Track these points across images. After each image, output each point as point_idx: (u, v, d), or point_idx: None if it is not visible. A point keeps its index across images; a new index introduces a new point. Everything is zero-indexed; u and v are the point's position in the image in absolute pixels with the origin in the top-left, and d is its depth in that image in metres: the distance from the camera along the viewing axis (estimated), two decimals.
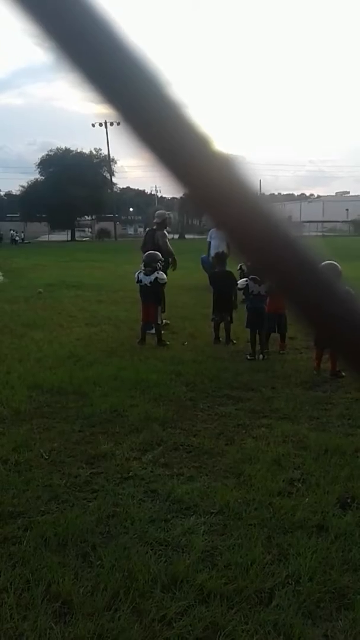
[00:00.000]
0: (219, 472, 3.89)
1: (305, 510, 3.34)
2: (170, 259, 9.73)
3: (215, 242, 12.64)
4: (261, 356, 7.04)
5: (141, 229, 73.44)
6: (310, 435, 4.50)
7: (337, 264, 6.54)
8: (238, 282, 7.65)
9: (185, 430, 4.67)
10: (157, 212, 11.01)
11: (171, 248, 9.93)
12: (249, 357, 7.05)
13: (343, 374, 6.08)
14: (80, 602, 2.53)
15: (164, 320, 9.42)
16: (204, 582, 2.66)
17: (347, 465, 3.95)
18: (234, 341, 7.94)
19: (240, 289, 7.42)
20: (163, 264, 8.44)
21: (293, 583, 2.69)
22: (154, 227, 10.17)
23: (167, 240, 10.32)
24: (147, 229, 10.90)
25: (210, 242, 13.50)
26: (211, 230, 14.19)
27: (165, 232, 10.44)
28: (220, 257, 8.48)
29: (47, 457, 4.15)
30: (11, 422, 4.87)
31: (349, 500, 3.49)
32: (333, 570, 2.78)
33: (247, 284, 7.20)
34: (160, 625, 2.39)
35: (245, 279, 7.34)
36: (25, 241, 55.67)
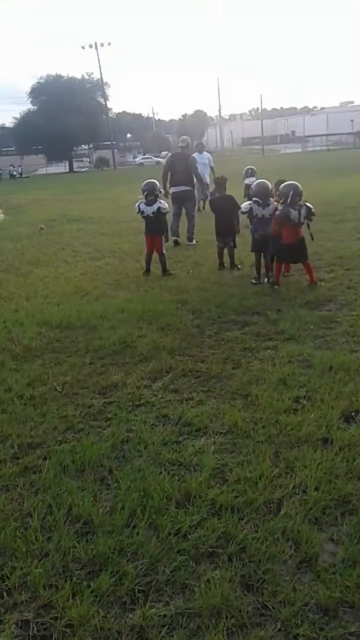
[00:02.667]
0: (226, 395, 4.01)
1: (311, 425, 3.46)
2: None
3: (200, 167, 12.39)
4: (266, 280, 7.03)
5: (140, 155, 71.32)
6: (315, 354, 4.59)
7: (298, 184, 6.56)
8: (242, 205, 7.49)
9: (193, 356, 4.77)
10: (182, 137, 11.21)
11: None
12: (253, 282, 7.06)
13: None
14: (100, 521, 2.70)
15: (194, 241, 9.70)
16: (215, 497, 2.82)
17: (351, 381, 4.05)
18: (239, 266, 7.92)
19: (244, 213, 7.27)
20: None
21: (300, 493, 2.84)
22: (180, 149, 10.41)
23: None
24: (169, 154, 11.01)
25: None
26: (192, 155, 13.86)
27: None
28: (220, 182, 8.30)
29: (60, 390, 4.28)
30: (23, 358, 4.99)
31: (353, 414, 3.61)
32: (338, 479, 2.92)
33: (250, 207, 7.07)
34: (176, 538, 2.55)
35: (249, 202, 7.18)
36: (24, 175, 54.52)
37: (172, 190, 10.28)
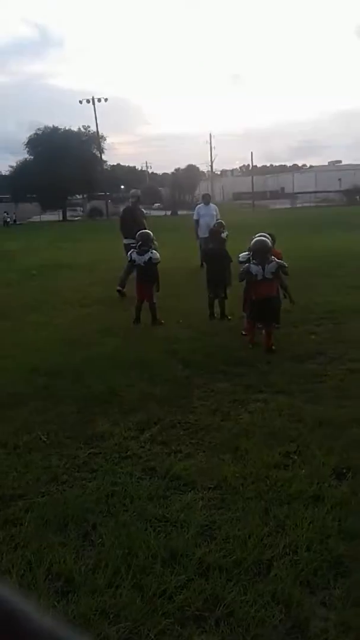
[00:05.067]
0: (215, 448, 3.94)
1: (302, 481, 3.39)
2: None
3: (206, 219, 12.57)
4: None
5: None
6: (305, 408, 4.55)
7: (266, 239, 6.56)
8: (240, 255, 7.16)
9: (182, 407, 4.71)
10: (131, 191, 11.43)
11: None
12: (244, 333, 7.06)
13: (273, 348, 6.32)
14: (82, 580, 2.59)
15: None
16: (203, 556, 2.71)
17: (341, 437, 4.00)
18: (229, 317, 7.95)
19: (241, 262, 6.93)
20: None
21: (291, 553, 2.75)
22: (129, 204, 10.57)
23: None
24: (123, 207, 11.22)
25: (197, 221, 13.34)
26: (198, 207, 13.95)
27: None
28: (215, 234, 8.43)
29: (45, 440, 4.18)
30: (9, 405, 4.90)
31: (344, 471, 3.54)
32: (329, 539, 2.84)
33: (249, 268, 6.63)
34: (161, 600, 2.44)
35: (243, 255, 6.95)
36: (17, 222, 55.18)
37: (124, 242, 10.58)
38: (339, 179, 70.20)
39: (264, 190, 77.53)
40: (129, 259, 8.12)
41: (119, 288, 10.15)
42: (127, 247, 10.37)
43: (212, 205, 13.76)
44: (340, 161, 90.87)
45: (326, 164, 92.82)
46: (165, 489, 3.40)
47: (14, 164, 63.60)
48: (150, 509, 3.17)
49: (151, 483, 3.48)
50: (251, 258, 6.63)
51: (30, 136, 61.16)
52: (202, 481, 3.46)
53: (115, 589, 2.52)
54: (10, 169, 64.55)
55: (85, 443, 4.12)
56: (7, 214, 55.01)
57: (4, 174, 65.59)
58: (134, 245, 8.21)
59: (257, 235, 6.88)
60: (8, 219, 54.14)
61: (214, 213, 13.21)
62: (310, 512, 3.06)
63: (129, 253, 8.17)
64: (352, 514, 3.06)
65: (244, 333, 7.05)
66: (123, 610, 2.39)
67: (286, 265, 6.66)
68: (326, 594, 2.50)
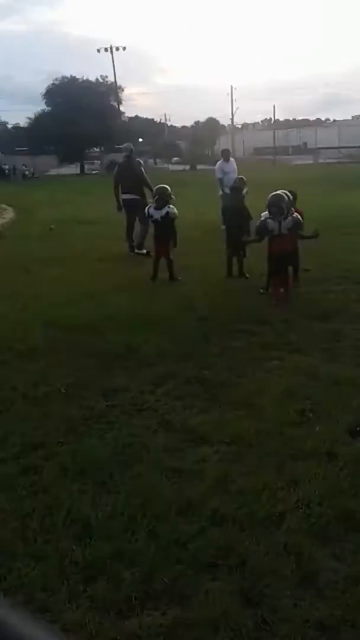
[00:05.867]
0: (231, 404, 3.98)
1: (316, 438, 3.42)
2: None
3: (230, 175, 12.00)
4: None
5: (151, 160, 71.64)
6: (322, 367, 4.55)
7: (284, 195, 6.59)
8: (263, 213, 6.91)
9: (198, 364, 4.73)
10: (124, 145, 10.94)
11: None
12: (262, 291, 7.01)
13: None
14: (99, 525, 2.67)
15: (144, 250, 9.47)
16: (216, 507, 2.78)
17: (358, 395, 4.01)
18: (247, 275, 7.88)
19: (257, 232, 6.94)
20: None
21: (303, 507, 2.80)
22: (124, 159, 10.12)
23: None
24: (117, 163, 10.68)
25: (221, 179, 12.79)
26: (219, 164, 13.29)
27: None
28: (236, 190, 8.29)
29: (64, 391, 4.26)
30: (29, 358, 4.98)
31: (358, 429, 3.56)
32: (342, 494, 2.88)
33: (265, 223, 6.66)
34: (175, 547, 2.52)
35: (264, 215, 6.78)
36: (35, 175, 54.73)
37: (121, 197, 10.19)
38: None
39: (286, 145, 75.53)
40: (146, 214, 8.02)
41: (141, 251, 9.80)
42: (129, 202, 9.99)
43: (232, 159, 13.36)
44: None
45: (350, 118, 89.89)
46: (181, 442, 3.46)
47: (32, 116, 62.56)
48: (166, 460, 3.23)
49: (167, 436, 3.54)
50: (268, 213, 6.58)
51: (48, 86, 59.91)
52: (217, 436, 3.51)
53: (131, 535, 2.60)
54: (28, 120, 63.60)
55: (102, 395, 4.19)
56: (26, 166, 54.57)
57: (22, 125, 64.69)
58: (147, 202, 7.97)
59: (275, 191, 6.82)
60: (26, 172, 53.71)
61: (235, 168, 12.84)
62: (323, 469, 3.10)
63: (146, 208, 8.06)
64: None
65: (262, 291, 7.01)
66: (138, 555, 2.47)
67: (302, 223, 6.65)
68: (337, 546, 2.55)
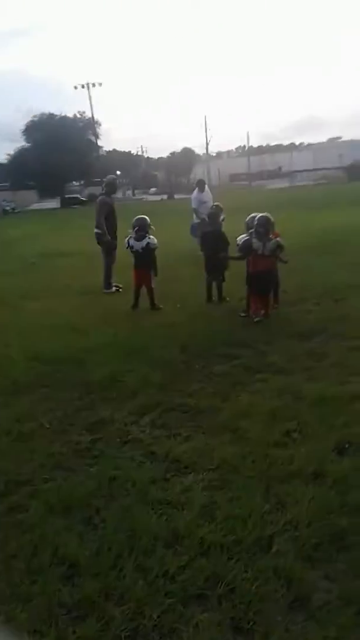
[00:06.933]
0: (215, 429, 3.96)
1: (302, 459, 3.41)
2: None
3: (208, 204, 12.00)
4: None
5: (129, 192, 72.35)
6: (305, 386, 4.57)
7: (269, 216, 6.81)
8: (238, 238, 7.16)
9: (181, 391, 4.73)
10: (107, 177, 10.78)
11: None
12: (242, 315, 7.06)
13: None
14: (87, 563, 2.62)
15: (114, 286, 9.45)
16: (204, 536, 2.74)
17: (342, 413, 4.01)
18: (227, 299, 7.94)
19: (241, 250, 7.01)
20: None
21: (292, 529, 2.78)
22: (107, 197, 9.77)
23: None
24: (99, 195, 10.37)
25: (195, 209, 12.66)
26: (194, 194, 13.10)
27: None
28: (213, 216, 8.38)
29: (48, 426, 4.22)
30: (12, 393, 4.94)
31: (346, 446, 3.56)
32: (331, 514, 2.86)
33: (249, 241, 6.82)
34: (164, 580, 2.48)
35: (246, 235, 6.95)
36: (16, 210, 55.01)
37: (98, 233, 9.83)
38: (340, 155, 69.24)
39: (261, 170, 76.86)
40: (126, 245, 8.07)
41: (110, 289, 9.60)
42: (105, 240, 9.61)
43: (207, 189, 13.38)
44: (340, 137, 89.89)
45: (324, 140, 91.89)
46: (166, 472, 3.43)
47: (12, 152, 63.28)
48: (152, 492, 3.20)
49: (152, 466, 3.51)
50: (253, 232, 6.78)
51: (27, 123, 60.79)
52: (202, 463, 3.49)
53: (119, 571, 2.56)
54: (7, 157, 64.25)
55: (87, 429, 4.15)
56: (7, 202, 54.87)
57: (2, 162, 65.25)
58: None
59: (252, 214, 7.04)
60: (7, 207, 53.98)
61: (211, 197, 12.89)
62: (311, 489, 3.09)
63: (126, 239, 8.11)
64: (353, 488, 3.08)
65: (242, 315, 7.06)
66: (127, 591, 2.42)
67: (284, 245, 6.82)
68: (328, 567, 2.53)
